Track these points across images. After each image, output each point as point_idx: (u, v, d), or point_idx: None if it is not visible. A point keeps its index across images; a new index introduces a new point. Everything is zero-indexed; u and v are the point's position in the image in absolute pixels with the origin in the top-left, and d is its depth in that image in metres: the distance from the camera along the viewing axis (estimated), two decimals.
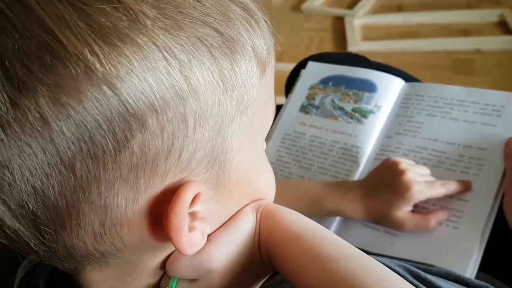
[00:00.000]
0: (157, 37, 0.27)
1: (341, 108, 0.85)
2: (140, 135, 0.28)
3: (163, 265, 0.37)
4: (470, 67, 1.81)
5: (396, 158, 0.70)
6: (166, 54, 0.28)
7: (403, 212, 0.67)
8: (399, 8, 2.23)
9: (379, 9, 2.24)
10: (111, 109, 0.27)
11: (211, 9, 0.30)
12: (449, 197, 0.69)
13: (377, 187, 0.69)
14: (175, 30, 0.28)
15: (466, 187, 0.69)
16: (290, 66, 1.02)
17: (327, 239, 0.37)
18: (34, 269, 0.41)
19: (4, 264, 0.46)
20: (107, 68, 0.26)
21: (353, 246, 0.37)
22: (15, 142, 0.26)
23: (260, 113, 0.35)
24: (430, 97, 0.81)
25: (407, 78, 0.87)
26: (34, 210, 0.28)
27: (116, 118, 0.27)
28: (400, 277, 0.35)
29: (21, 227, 0.29)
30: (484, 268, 0.65)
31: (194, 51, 0.29)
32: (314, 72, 0.92)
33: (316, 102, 0.88)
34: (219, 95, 0.31)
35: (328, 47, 2.07)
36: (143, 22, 0.27)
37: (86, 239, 0.31)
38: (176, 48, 0.28)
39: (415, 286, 0.36)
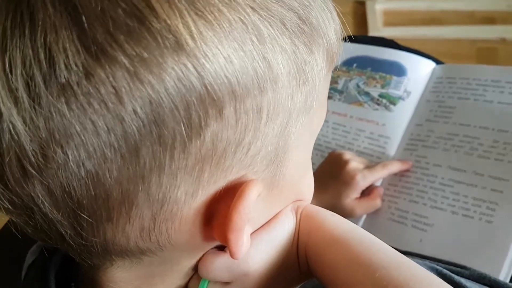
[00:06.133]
0: (247, 16, 0.25)
1: (367, 93, 0.80)
2: (214, 124, 0.25)
3: (196, 266, 0.34)
4: (494, 56, 1.76)
5: (340, 151, 0.73)
6: (253, 36, 0.25)
7: (352, 199, 0.69)
8: None
9: None
10: (191, 91, 0.24)
11: None
12: (482, 188, 0.65)
13: (325, 180, 0.71)
14: (263, 11, 0.26)
15: (406, 165, 0.72)
16: None
17: (375, 245, 0.35)
18: (42, 261, 0.38)
19: (17, 245, 0.43)
20: (198, 44, 0.23)
21: (401, 254, 0.34)
22: (78, 118, 0.23)
23: (318, 112, 0.34)
24: (463, 79, 0.75)
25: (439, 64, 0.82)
26: (80, 198, 0.25)
27: (195, 102, 0.24)
28: (448, 285, 0.32)
29: (59, 216, 0.26)
30: None
31: (279, 37, 0.26)
32: None
33: (339, 86, 0.83)
34: (293, 88, 0.28)
35: (348, 32, 2.01)
36: None
37: (130, 234, 0.28)
38: (263, 30, 0.25)
39: None
